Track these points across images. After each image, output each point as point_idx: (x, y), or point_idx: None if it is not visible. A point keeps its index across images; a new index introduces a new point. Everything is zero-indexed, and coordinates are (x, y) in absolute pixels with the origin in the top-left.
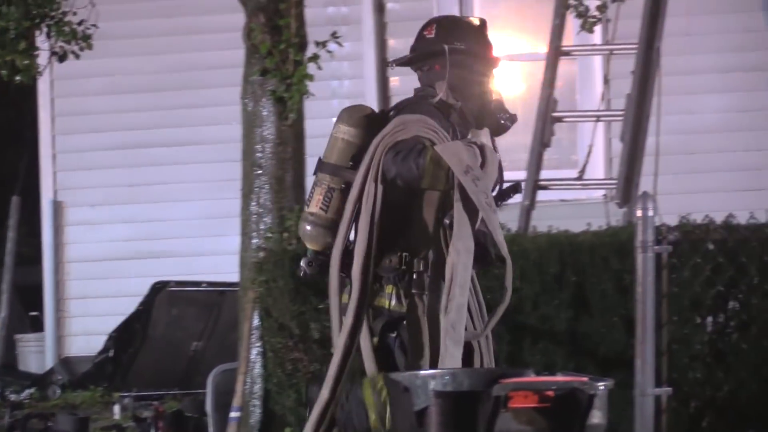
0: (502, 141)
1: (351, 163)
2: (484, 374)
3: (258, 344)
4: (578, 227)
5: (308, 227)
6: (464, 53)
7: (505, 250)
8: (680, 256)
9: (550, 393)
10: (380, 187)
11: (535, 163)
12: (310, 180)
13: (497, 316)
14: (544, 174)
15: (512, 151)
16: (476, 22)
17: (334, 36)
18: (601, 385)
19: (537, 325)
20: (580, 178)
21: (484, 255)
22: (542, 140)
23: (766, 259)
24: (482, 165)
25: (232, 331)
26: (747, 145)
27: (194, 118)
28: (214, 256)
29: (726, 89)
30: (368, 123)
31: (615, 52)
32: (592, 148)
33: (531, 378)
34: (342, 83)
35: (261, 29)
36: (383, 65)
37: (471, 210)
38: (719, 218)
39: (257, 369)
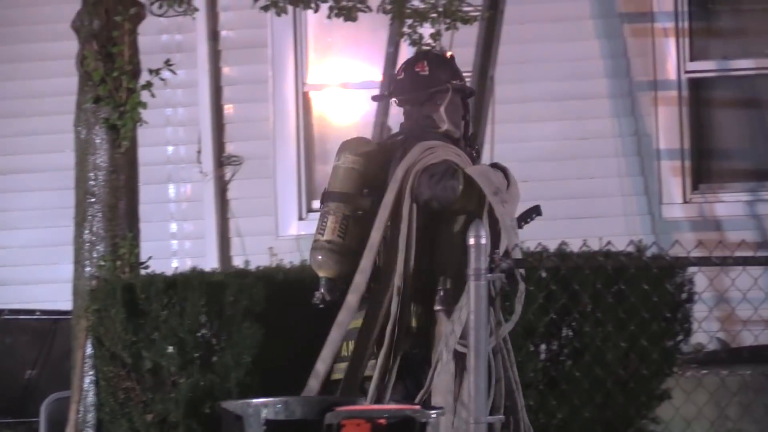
0: None
1: (366, 191)
2: (317, 403)
3: (91, 373)
4: None
5: (322, 256)
6: (458, 89)
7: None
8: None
9: (383, 421)
10: (415, 210)
11: None
12: (144, 208)
13: (510, 325)
14: None
15: None
16: (449, 55)
17: (168, 63)
18: (433, 413)
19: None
20: None
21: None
22: None
23: (599, 286)
24: (507, 187)
25: (66, 359)
26: (580, 173)
27: (27, 146)
28: (49, 284)
29: (559, 117)
30: (373, 153)
31: None
32: None
33: (363, 406)
34: (176, 111)
35: (94, 56)
36: (217, 92)
37: (495, 230)
38: (553, 246)
39: (90, 398)
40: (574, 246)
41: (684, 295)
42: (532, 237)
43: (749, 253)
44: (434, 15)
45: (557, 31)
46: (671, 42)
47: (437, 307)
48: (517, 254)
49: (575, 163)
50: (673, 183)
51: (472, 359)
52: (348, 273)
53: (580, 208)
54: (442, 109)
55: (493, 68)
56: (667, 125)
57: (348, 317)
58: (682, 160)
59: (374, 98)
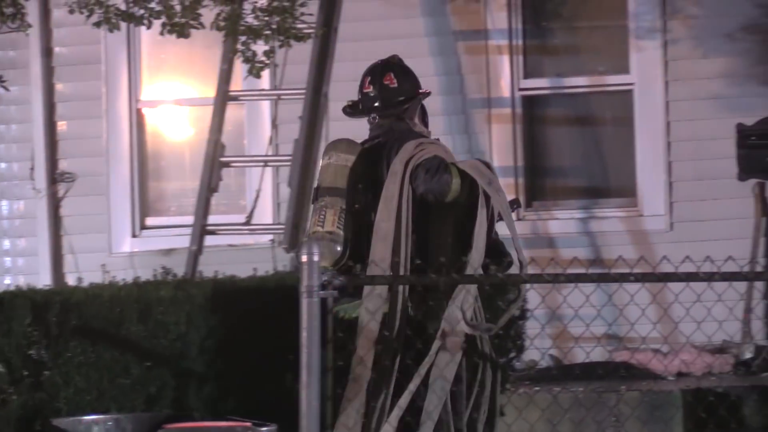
0: (171, 186)
1: (360, 186)
2: (148, 420)
3: None
4: (246, 272)
5: (336, 246)
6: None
7: (522, 254)
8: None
9: None
10: (411, 204)
11: (203, 208)
12: None
13: (510, 312)
14: (212, 219)
15: (180, 196)
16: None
17: (1, 80)
18: (264, 430)
19: (203, 370)
20: (247, 223)
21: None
22: (209, 185)
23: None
24: None
25: None
26: None
27: None
28: None
29: None
30: (361, 153)
31: (283, 97)
32: (260, 193)
33: (194, 423)
34: (9, 127)
35: None
36: (51, 109)
37: (489, 219)
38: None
39: None
40: None
41: (516, 312)
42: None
43: (581, 270)
44: (268, 32)
45: (391, 48)
46: (505, 59)
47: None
48: (518, 238)
49: None
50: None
51: (304, 376)
52: (341, 262)
53: None
54: (415, 113)
55: (327, 85)
56: (500, 142)
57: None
58: (516, 177)
59: (345, 112)
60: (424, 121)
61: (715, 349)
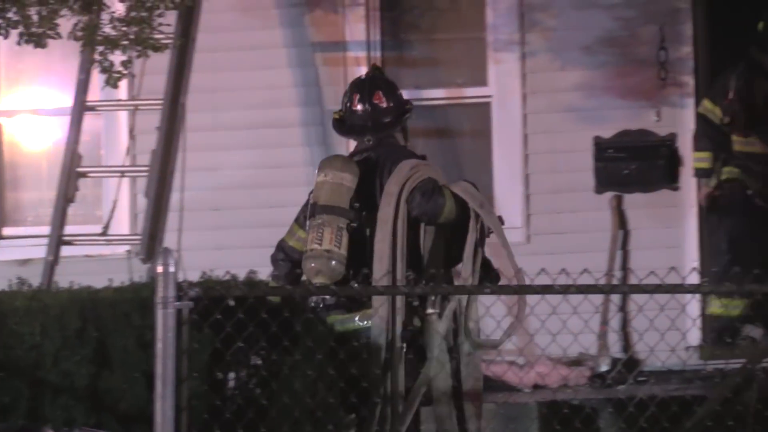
0: (29, 196)
1: (357, 204)
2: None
3: None
4: (102, 283)
5: (319, 264)
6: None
7: (516, 266)
8: (201, 312)
9: None
10: (406, 224)
11: (59, 219)
12: None
13: (517, 326)
14: (69, 229)
15: (38, 206)
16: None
17: None
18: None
19: (57, 381)
20: (104, 233)
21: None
22: (66, 195)
23: (286, 314)
24: None
25: None
26: (272, 202)
27: None
28: None
29: (251, 146)
30: (355, 170)
31: (140, 107)
32: (117, 203)
33: None
34: None
35: None
36: None
37: (479, 239)
38: (243, 274)
39: None
40: (265, 274)
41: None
42: (225, 266)
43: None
44: (125, 42)
45: (250, 59)
46: (363, 71)
47: (429, 311)
48: (512, 253)
49: (267, 191)
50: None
51: (159, 387)
52: (338, 279)
53: (273, 237)
54: (405, 129)
55: (185, 96)
56: None
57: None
58: None
59: (335, 128)
60: (405, 132)
61: (570, 362)
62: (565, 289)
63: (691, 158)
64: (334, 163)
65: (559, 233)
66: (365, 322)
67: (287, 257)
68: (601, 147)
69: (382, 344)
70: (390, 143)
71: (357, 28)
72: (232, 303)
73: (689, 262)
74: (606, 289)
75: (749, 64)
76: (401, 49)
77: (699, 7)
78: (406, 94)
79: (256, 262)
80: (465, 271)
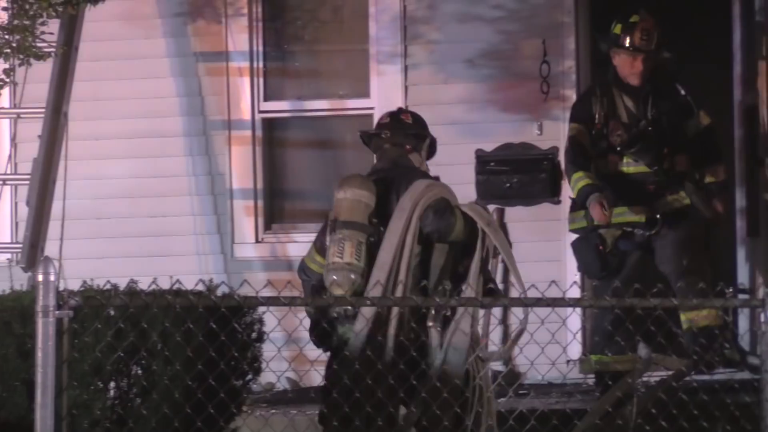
0: None
1: (375, 220)
2: None
3: None
4: None
5: (340, 276)
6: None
7: (523, 286)
8: (82, 322)
9: None
10: (415, 239)
11: None
12: None
13: (517, 338)
14: None
15: None
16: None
17: None
18: None
19: None
20: None
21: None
22: None
23: (167, 324)
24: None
25: None
26: (153, 211)
27: None
28: None
29: (134, 155)
30: (372, 187)
31: (22, 115)
32: None
33: None
34: None
35: None
36: None
37: (485, 257)
38: (124, 284)
39: None
40: (146, 284)
41: (254, 335)
42: (106, 275)
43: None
44: (8, 51)
45: (132, 68)
46: (246, 82)
47: (430, 323)
48: (518, 272)
49: (149, 201)
50: (246, 223)
51: (39, 395)
52: (359, 292)
53: (155, 247)
54: (422, 153)
55: (67, 105)
56: (240, 165)
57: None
58: (255, 199)
59: (361, 136)
60: (429, 158)
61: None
62: (446, 301)
63: None
64: (353, 181)
65: None
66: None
67: (309, 278)
68: (482, 160)
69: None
70: (405, 165)
71: (240, 38)
72: (113, 312)
73: (570, 276)
74: (486, 302)
75: (602, 81)
76: (284, 60)
77: (582, 21)
78: (288, 105)
79: (137, 272)
80: (470, 288)
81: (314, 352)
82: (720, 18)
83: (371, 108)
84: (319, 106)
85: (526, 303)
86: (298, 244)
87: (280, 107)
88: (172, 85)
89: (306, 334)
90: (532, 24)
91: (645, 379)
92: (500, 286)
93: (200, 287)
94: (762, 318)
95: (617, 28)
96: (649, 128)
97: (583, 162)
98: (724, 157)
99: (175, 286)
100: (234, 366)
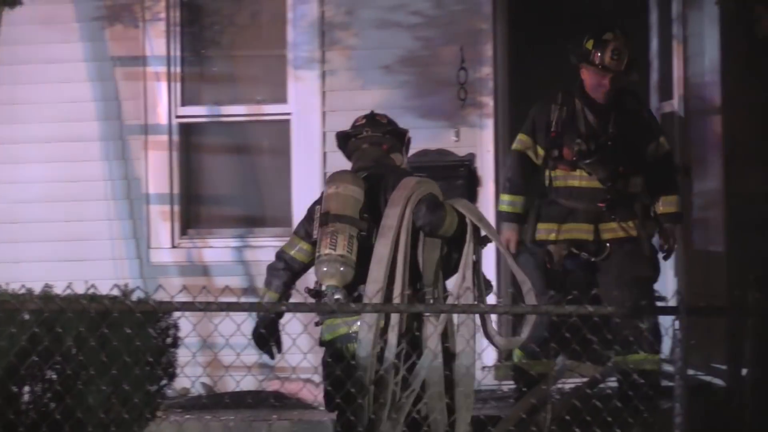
0: None
1: (366, 215)
2: None
3: None
4: None
5: (332, 268)
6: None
7: (521, 275)
8: None
9: None
10: (409, 233)
11: None
12: None
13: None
14: None
15: None
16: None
17: None
18: None
19: None
20: None
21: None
22: None
23: (82, 329)
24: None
25: None
26: (69, 216)
27: None
28: None
29: (50, 159)
30: (362, 184)
31: None
32: None
33: None
34: None
35: None
36: None
37: (476, 250)
38: (39, 288)
39: None
40: (62, 288)
41: (168, 340)
42: (22, 279)
43: (233, 299)
44: None
45: (49, 72)
46: (163, 86)
47: (427, 315)
48: (514, 263)
49: (65, 205)
50: (162, 227)
51: None
52: (349, 282)
53: (70, 251)
54: (402, 152)
55: None
56: (157, 170)
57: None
58: (172, 204)
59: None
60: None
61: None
62: (362, 308)
63: (490, 178)
64: (344, 176)
65: None
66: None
67: (288, 267)
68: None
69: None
70: (388, 163)
71: (158, 43)
72: (27, 317)
73: (494, 281)
74: (402, 308)
75: (567, 90)
76: (202, 65)
77: (499, 28)
78: (205, 110)
79: (53, 276)
80: (460, 279)
81: (229, 357)
82: (638, 26)
83: (288, 113)
84: (237, 111)
85: (442, 309)
86: (214, 249)
87: (197, 112)
88: (89, 89)
89: (221, 340)
90: (450, 31)
91: (560, 385)
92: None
93: (115, 292)
94: (676, 326)
95: (589, 44)
96: (609, 143)
97: (521, 183)
98: (680, 188)
99: (91, 291)
100: (149, 371)
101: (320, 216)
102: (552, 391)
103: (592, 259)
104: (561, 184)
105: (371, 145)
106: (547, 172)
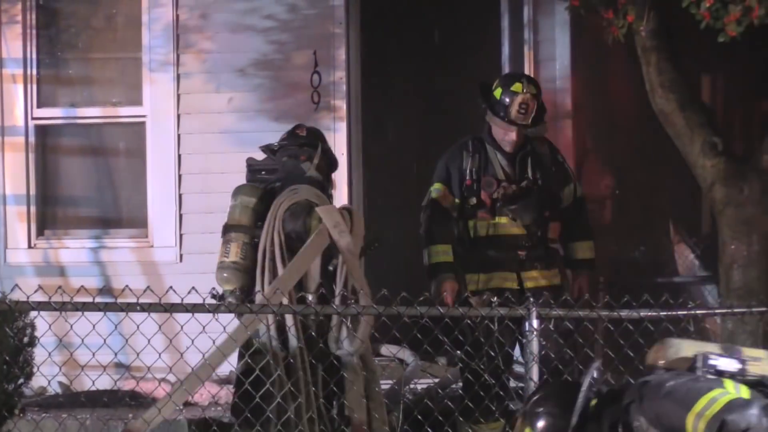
0: None
1: (259, 223)
2: None
3: None
4: None
5: (228, 274)
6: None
7: (362, 282)
8: None
9: None
10: (282, 238)
11: None
12: None
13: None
14: None
15: None
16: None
17: None
18: None
19: None
20: None
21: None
22: None
23: None
24: (352, 224)
25: None
26: None
27: None
28: None
29: None
30: (260, 195)
31: None
32: None
33: None
34: None
35: None
36: None
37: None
38: None
39: None
40: None
41: (26, 339)
42: None
43: (89, 299)
44: None
45: None
46: (19, 88)
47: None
48: (358, 274)
49: None
50: (18, 228)
51: None
52: (245, 285)
53: None
54: (314, 161)
55: None
56: (14, 171)
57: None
58: (28, 205)
59: (263, 149)
60: (330, 168)
61: (221, 380)
62: (215, 308)
63: (343, 180)
64: (241, 189)
65: (210, 253)
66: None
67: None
68: (253, 168)
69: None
70: (296, 173)
71: (14, 45)
72: None
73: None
74: (269, 310)
75: (476, 137)
76: (58, 68)
77: (352, 32)
78: (61, 112)
79: None
80: (308, 283)
81: (85, 356)
82: (491, 31)
83: (144, 116)
84: (92, 113)
85: (143, 308)
86: (70, 250)
87: (53, 114)
88: None
89: (77, 339)
90: (303, 35)
91: (412, 386)
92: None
93: None
94: (526, 326)
95: (497, 92)
96: (533, 186)
97: (445, 233)
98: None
99: None
100: (6, 370)
101: (223, 227)
102: (404, 391)
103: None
104: (482, 232)
105: (289, 158)
106: (464, 222)
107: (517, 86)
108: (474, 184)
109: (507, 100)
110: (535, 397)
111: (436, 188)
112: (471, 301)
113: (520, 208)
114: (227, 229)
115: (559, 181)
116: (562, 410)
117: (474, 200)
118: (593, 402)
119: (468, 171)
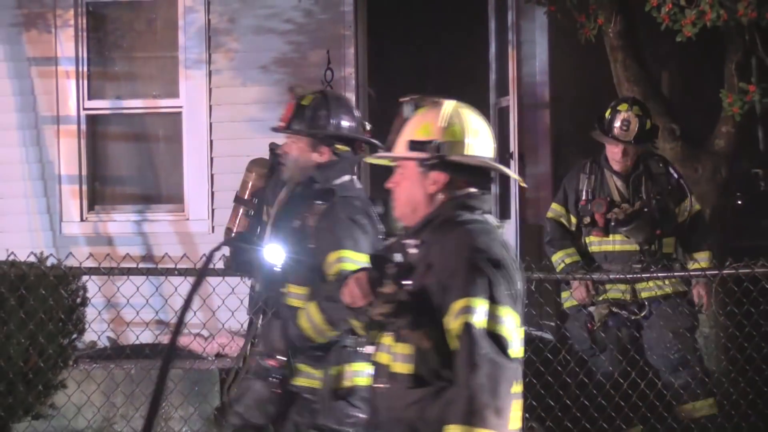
0: None
1: (255, 199)
2: None
3: None
4: None
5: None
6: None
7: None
8: None
9: None
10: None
11: None
12: None
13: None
14: None
15: None
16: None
17: None
18: None
19: None
20: None
21: None
22: None
23: (3, 290)
24: None
25: None
26: None
27: None
28: None
29: None
30: (265, 169)
31: None
32: None
33: None
34: None
35: None
36: None
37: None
38: None
39: None
40: None
41: (78, 300)
42: None
43: (133, 265)
44: None
45: None
46: (72, 83)
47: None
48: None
49: None
50: (72, 204)
51: None
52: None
53: None
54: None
55: None
56: (67, 154)
57: None
58: (80, 184)
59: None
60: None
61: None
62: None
63: None
64: (250, 163)
65: None
66: None
67: None
68: (275, 152)
69: None
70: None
71: (68, 46)
72: None
73: None
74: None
75: (595, 159)
76: (105, 65)
77: (360, 34)
78: (108, 103)
79: None
80: None
81: (130, 314)
82: (481, 33)
83: (180, 107)
84: (136, 104)
85: (180, 272)
86: (117, 222)
87: (101, 105)
88: (8, 85)
89: (123, 300)
90: (317, 36)
91: None
92: None
93: (32, 259)
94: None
95: (607, 112)
96: (645, 209)
97: (564, 242)
98: (712, 243)
99: (10, 258)
100: (61, 327)
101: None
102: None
103: (633, 317)
104: (596, 249)
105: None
106: (582, 239)
107: (622, 105)
108: (588, 203)
109: (611, 117)
110: None
111: (553, 207)
112: (590, 310)
113: (633, 229)
114: (235, 198)
115: (676, 200)
116: None
117: (588, 219)
118: None
119: (583, 191)
